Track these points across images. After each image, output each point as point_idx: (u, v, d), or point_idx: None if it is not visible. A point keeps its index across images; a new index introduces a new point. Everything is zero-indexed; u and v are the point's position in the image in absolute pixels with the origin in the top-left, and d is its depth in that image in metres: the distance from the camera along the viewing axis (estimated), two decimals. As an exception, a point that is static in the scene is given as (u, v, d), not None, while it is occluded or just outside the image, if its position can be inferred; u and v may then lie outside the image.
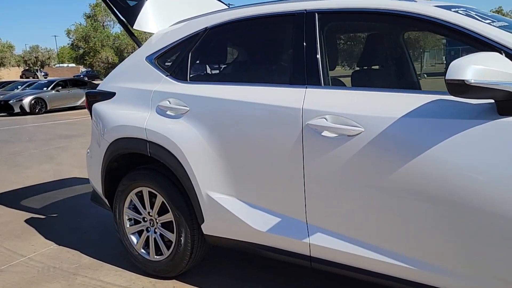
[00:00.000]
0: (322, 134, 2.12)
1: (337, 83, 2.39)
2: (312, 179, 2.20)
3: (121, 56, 40.26)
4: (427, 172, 1.88)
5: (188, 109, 2.64)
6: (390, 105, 2.00)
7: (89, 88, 16.80)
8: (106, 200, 3.23)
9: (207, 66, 3.14)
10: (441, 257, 1.92)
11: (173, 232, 2.84)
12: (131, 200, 3.05)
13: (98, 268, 3.14)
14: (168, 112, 2.74)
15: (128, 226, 3.10)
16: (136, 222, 3.10)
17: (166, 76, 2.85)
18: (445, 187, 1.84)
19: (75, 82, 19.23)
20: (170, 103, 2.73)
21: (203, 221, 2.66)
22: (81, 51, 43.87)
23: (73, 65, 60.02)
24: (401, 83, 2.78)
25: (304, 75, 2.29)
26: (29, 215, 4.38)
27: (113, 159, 3.02)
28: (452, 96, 1.81)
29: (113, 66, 35.58)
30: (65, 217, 4.28)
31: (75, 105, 17.83)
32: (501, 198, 1.74)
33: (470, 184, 1.80)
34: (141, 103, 2.90)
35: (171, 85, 2.80)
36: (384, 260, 2.06)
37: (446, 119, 1.85)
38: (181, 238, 2.77)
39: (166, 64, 2.94)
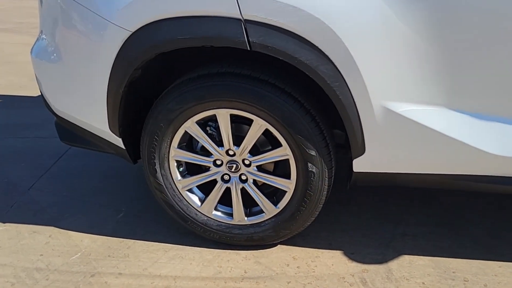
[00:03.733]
0: None
1: None
2: None
3: None
4: None
5: None
6: None
7: None
8: (114, 138, 1.77)
9: None
10: None
11: (287, 177, 1.66)
12: (186, 135, 1.69)
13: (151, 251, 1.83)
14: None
15: (179, 177, 1.78)
16: (197, 169, 1.79)
17: None
18: None
19: None
20: None
21: (361, 153, 1.53)
22: None
23: None
24: None
25: None
26: None
27: (139, 64, 1.54)
28: None
29: None
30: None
31: None
32: None
33: None
34: None
35: None
36: None
37: None
38: (309, 187, 1.62)
39: None
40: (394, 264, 1.71)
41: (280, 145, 1.61)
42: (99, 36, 1.57)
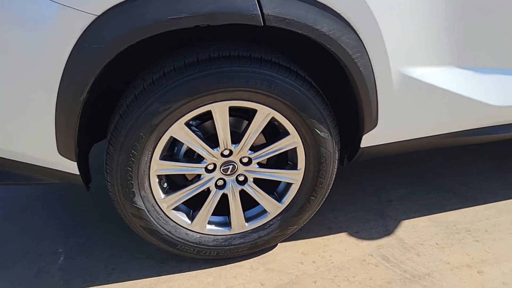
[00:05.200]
0: None
1: None
2: None
3: None
4: None
5: None
6: None
7: None
8: (64, 163, 1.31)
9: None
10: None
11: (294, 168, 1.46)
12: (172, 140, 1.34)
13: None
14: None
15: (162, 196, 1.41)
16: (183, 183, 1.45)
17: None
18: None
19: None
20: None
21: (374, 126, 1.42)
22: None
23: None
24: None
25: None
26: None
27: (110, 59, 1.13)
28: None
29: None
30: None
31: None
32: None
33: None
34: None
35: None
36: None
37: None
38: (321, 172, 1.46)
39: None
40: (401, 233, 1.68)
41: (285, 134, 1.39)
42: (42, 27, 1.10)
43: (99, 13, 1.08)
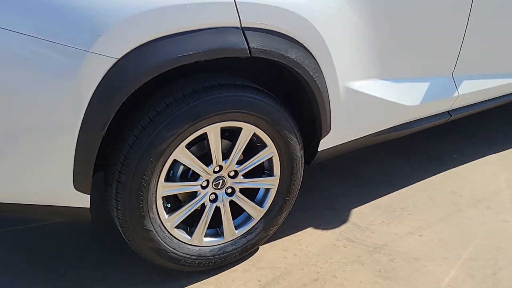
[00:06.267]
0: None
1: None
2: (475, 20, 1.94)
3: None
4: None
5: (314, -49, 1.48)
6: None
7: None
8: (75, 198, 1.40)
9: None
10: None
11: (270, 175, 1.72)
12: (174, 162, 1.51)
13: None
14: (260, -36, 1.42)
15: (166, 216, 1.56)
16: (184, 198, 1.62)
17: None
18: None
19: None
20: None
21: (328, 131, 1.77)
22: None
23: None
24: None
25: None
26: None
27: (123, 92, 1.29)
28: None
29: None
30: None
31: None
32: None
33: None
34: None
35: None
36: (506, 82, 2.26)
37: None
38: (293, 176, 1.75)
39: None
40: (354, 219, 2.03)
41: (263, 147, 1.66)
42: (65, 72, 1.23)
43: (119, 57, 1.26)
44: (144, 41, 1.27)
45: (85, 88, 1.25)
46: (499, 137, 2.74)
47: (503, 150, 2.59)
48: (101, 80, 1.26)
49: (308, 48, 1.55)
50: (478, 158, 2.51)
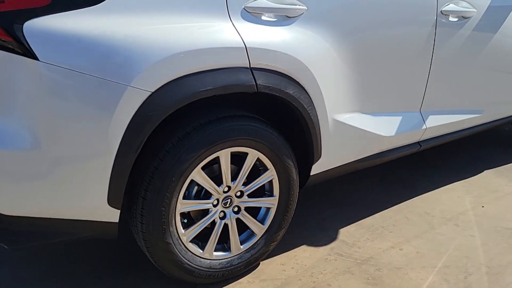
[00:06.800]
0: (450, 19, 2.26)
1: None
2: (436, 66, 2.31)
3: None
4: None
5: (306, 8, 1.81)
6: None
7: None
8: (107, 213, 1.61)
9: None
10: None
11: (270, 195, 1.97)
12: (192, 182, 1.74)
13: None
14: (265, 17, 1.74)
15: (183, 230, 1.78)
16: (197, 216, 1.84)
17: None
18: None
19: None
20: (268, 1, 1.73)
21: (319, 157, 2.05)
22: None
23: None
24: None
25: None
26: None
27: (154, 120, 1.55)
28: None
29: None
30: None
31: None
32: None
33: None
34: (201, 6, 1.62)
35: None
36: (467, 117, 2.63)
37: None
38: (290, 196, 2.00)
39: None
40: (342, 237, 2.28)
41: (265, 170, 1.92)
42: (108, 103, 1.48)
43: (153, 90, 1.52)
44: (173, 78, 1.54)
45: (124, 116, 1.50)
46: (463, 167, 3.10)
47: (466, 178, 2.93)
48: (138, 109, 1.51)
49: (303, 86, 1.85)
50: (446, 185, 2.83)
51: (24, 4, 1.40)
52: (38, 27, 1.40)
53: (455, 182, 2.88)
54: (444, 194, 2.72)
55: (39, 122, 1.45)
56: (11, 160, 1.46)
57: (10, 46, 1.39)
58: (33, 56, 1.39)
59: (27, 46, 1.38)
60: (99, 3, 1.47)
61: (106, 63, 1.47)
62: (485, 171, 3.03)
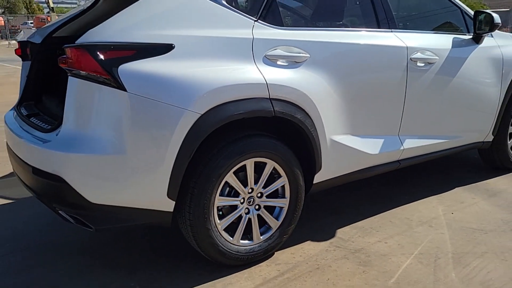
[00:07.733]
0: (418, 64, 2.94)
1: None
2: (409, 101, 2.97)
3: None
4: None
5: (309, 56, 2.47)
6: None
7: None
8: (164, 204, 2.18)
9: (297, 10, 2.65)
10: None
11: (283, 197, 2.55)
12: (226, 183, 2.33)
13: None
14: (279, 62, 2.39)
15: (218, 220, 2.34)
16: (228, 210, 2.40)
17: (256, 20, 2.36)
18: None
19: None
20: (282, 51, 2.39)
21: (320, 169, 2.65)
22: None
23: None
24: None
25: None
26: None
27: (203, 134, 2.15)
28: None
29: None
30: None
31: None
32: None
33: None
34: (235, 54, 2.27)
35: (271, 31, 2.39)
36: (436, 142, 3.26)
37: None
38: (298, 198, 2.58)
39: (241, 5, 2.37)
40: (339, 234, 2.84)
41: (279, 177, 2.51)
42: (172, 121, 2.08)
43: (203, 112, 2.13)
44: (216, 104, 2.17)
45: (183, 131, 2.10)
46: (437, 183, 3.70)
47: (440, 193, 3.53)
48: (192, 126, 2.12)
49: (307, 112, 2.48)
50: (423, 198, 3.42)
51: (118, 54, 2.04)
52: (127, 69, 2.03)
53: (430, 196, 3.47)
54: (421, 205, 3.31)
55: (125, 134, 2.05)
56: (103, 162, 2.06)
57: (109, 82, 2.02)
58: (123, 88, 2.02)
59: (120, 82, 2.01)
60: (167, 52, 2.11)
61: (171, 93, 2.09)
62: (455, 188, 3.63)
